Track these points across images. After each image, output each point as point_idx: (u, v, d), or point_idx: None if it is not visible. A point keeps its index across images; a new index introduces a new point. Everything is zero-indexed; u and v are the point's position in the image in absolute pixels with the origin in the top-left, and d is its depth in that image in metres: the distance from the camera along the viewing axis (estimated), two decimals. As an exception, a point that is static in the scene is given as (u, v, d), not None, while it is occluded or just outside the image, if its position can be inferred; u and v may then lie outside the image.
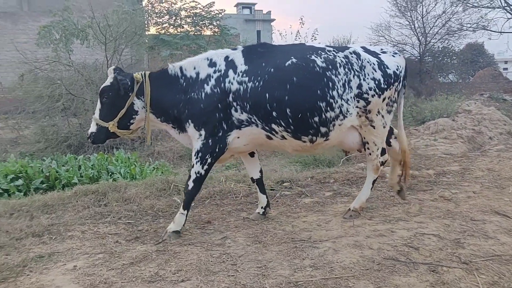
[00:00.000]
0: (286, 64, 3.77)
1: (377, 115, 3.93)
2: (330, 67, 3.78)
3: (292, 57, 3.80)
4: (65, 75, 10.60)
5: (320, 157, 8.51)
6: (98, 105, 3.95)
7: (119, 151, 8.79)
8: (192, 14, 15.74)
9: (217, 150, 3.82)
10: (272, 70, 3.75)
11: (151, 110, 3.92)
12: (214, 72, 3.83)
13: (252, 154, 4.41)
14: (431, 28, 22.30)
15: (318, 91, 3.72)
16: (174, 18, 15.33)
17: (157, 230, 4.15)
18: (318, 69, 3.76)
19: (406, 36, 23.25)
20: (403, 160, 4.29)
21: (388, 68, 3.96)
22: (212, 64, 3.88)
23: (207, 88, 3.78)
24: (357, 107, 3.86)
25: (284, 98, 3.69)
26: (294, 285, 2.89)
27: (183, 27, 15.60)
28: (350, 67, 3.84)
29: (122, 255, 3.49)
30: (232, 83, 3.77)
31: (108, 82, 3.88)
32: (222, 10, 16.47)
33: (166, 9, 15.40)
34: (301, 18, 16.02)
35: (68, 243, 3.81)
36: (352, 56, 3.90)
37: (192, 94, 3.82)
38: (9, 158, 7.90)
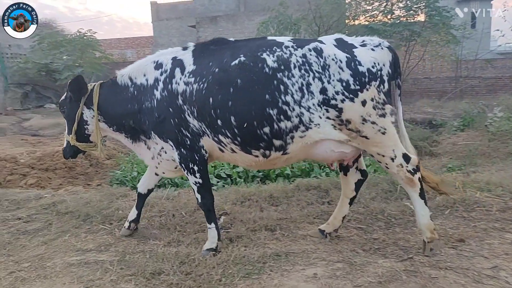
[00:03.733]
0: (232, 63, 3.19)
1: (363, 123, 3.05)
2: (282, 67, 3.10)
3: (242, 55, 3.20)
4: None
5: None
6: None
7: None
8: (405, -2, 14.45)
9: (197, 157, 3.43)
10: (216, 70, 3.23)
11: (103, 120, 3.77)
12: (161, 74, 3.46)
13: None
14: None
15: (267, 96, 3.08)
16: (384, 3, 14.33)
17: (396, 241, 3.54)
18: (267, 70, 3.10)
19: None
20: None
21: (360, 65, 3.07)
22: (158, 66, 3.51)
23: (157, 94, 3.43)
24: (328, 118, 3.06)
25: (228, 104, 3.15)
26: None
27: (393, 13, 14.48)
28: (307, 67, 3.07)
29: (364, 268, 3.02)
30: (178, 84, 3.35)
31: (63, 95, 3.91)
32: (440, -11, 14.61)
33: (377, -6, 14.52)
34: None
35: (301, 244, 3.57)
36: (310, 54, 3.09)
37: (146, 103, 3.50)
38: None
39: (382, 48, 3.18)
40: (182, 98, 3.33)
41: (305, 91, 3.05)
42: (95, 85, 3.82)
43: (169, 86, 3.38)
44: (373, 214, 4.24)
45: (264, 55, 3.16)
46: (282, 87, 3.07)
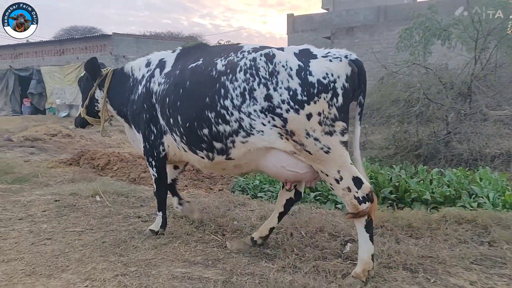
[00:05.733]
0: (189, 67, 3.34)
1: (306, 137, 2.83)
2: (228, 71, 3.05)
3: (201, 59, 3.32)
4: (423, 78, 9.66)
5: None
6: None
7: (485, 169, 7.05)
8: None
9: (155, 154, 3.74)
10: (177, 72, 3.44)
11: (109, 102, 4.18)
12: (147, 72, 3.79)
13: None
14: None
15: (207, 99, 3.10)
16: None
17: None
18: (213, 73, 3.12)
19: None
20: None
21: (310, 74, 2.81)
22: (147, 64, 3.86)
23: (140, 89, 3.76)
24: (275, 126, 2.89)
25: (177, 104, 3.32)
26: None
27: None
28: (254, 72, 2.93)
29: None
30: (155, 83, 3.62)
31: (82, 73, 4.39)
32: None
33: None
34: None
35: (455, 298, 2.67)
36: (260, 59, 2.94)
37: (132, 95, 3.86)
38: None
39: (340, 60, 2.89)
40: (155, 97, 3.58)
41: (247, 96, 2.96)
42: (109, 70, 4.24)
43: (148, 84, 3.67)
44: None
45: (218, 60, 3.18)
46: (223, 90, 3.05)
